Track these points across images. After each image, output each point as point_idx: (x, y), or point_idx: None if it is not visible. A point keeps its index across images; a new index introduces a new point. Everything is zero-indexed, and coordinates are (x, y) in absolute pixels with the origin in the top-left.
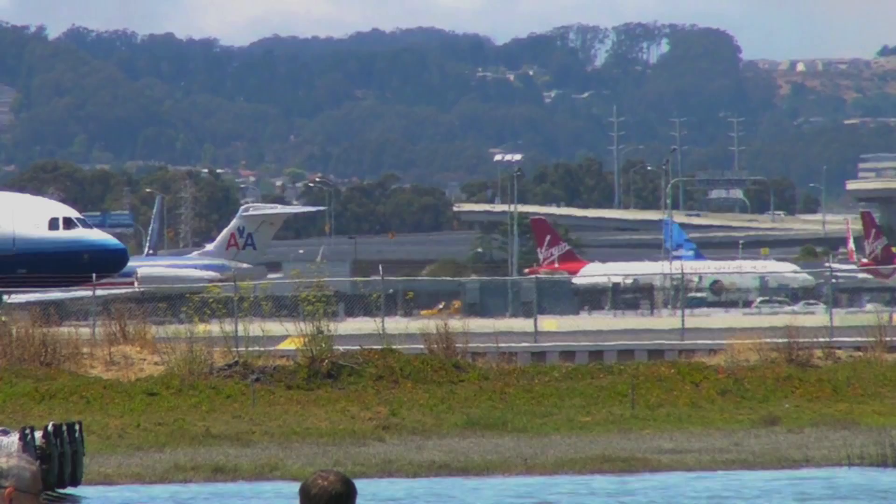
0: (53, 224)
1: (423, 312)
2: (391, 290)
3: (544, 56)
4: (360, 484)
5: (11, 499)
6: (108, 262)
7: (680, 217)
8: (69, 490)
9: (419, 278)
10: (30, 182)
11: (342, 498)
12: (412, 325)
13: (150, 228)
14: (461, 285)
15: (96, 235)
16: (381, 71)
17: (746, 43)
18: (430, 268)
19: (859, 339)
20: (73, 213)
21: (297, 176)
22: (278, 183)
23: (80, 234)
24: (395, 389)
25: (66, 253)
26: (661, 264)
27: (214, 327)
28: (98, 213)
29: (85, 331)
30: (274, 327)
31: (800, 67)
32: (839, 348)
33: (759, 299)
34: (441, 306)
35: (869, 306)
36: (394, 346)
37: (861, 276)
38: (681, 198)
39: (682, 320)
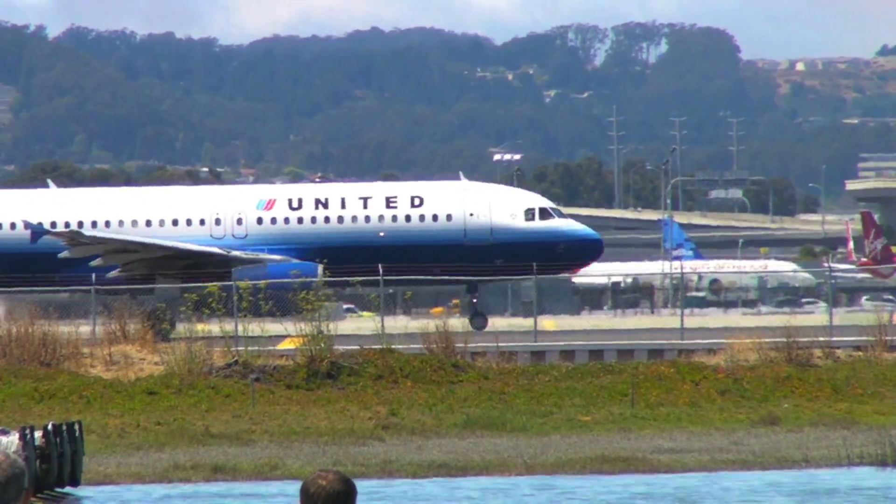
0: (529, 214)
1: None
2: (391, 290)
3: (544, 56)
4: (359, 484)
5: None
6: (583, 252)
7: (680, 217)
8: (69, 490)
9: (419, 277)
10: (29, 182)
11: (341, 497)
12: (412, 324)
13: None
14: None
15: (572, 226)
16: (380, 70)
17: (746, 42)
18: None
19: (859, 338)
20: (548, 204)
21: (296, 175)
22: (278, 182)
23: (556, 224)
24: (395, 389)
25: (542, 243)
26: (661, 264)
27: (214, 327)
28: None
29: (85, 330)
30: (274, 327)
31: (799, 67)
32: (839, 348)
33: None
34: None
35: (876, 304)
36: (393, 346)
37: (861, 275)
38: (680, 198)
39: (682, 320)
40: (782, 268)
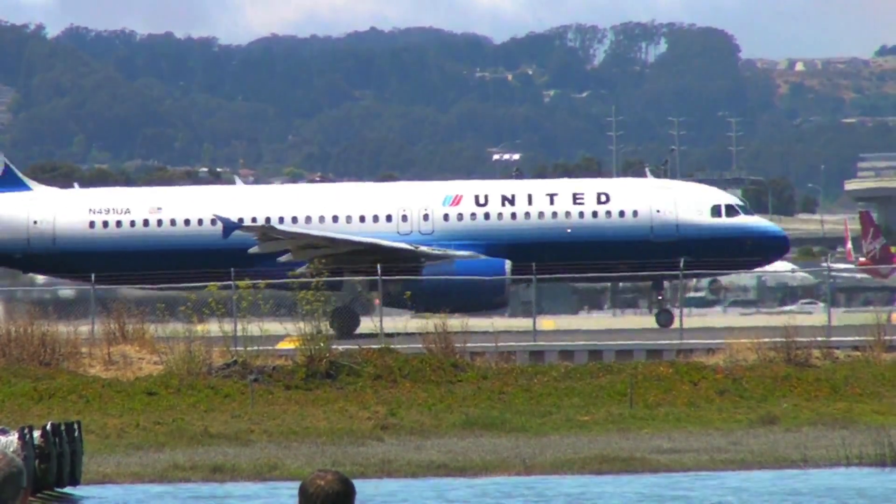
0: (716, 211)
1: None
2: (390, 290)
3: (543, 56)
4: (358, 484)
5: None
6: (770, 249)
7: None
8: (68, 489)
9: (419, 277)
10: None
11: (340, 497)
12: (411, 324)
13: None
14: None
15: (758, 222)
16: (379, 71)
17: (745, 42)
18: None
19: (857, 338)
20: (734, 201)
21: (296, 175)
22: (278, 183)
23: (743, 220)
24: (394, 389)
25: (729, 239)
26: None
27: (213, 327)
28: None
29: (84, 330)
30: (273, 327)
31: (798, 67)
32: (837, 348)
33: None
34: None
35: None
36: (392, 346)
37: (860, 275)
38: None
39: (681, 320)
40: (781, 268)
